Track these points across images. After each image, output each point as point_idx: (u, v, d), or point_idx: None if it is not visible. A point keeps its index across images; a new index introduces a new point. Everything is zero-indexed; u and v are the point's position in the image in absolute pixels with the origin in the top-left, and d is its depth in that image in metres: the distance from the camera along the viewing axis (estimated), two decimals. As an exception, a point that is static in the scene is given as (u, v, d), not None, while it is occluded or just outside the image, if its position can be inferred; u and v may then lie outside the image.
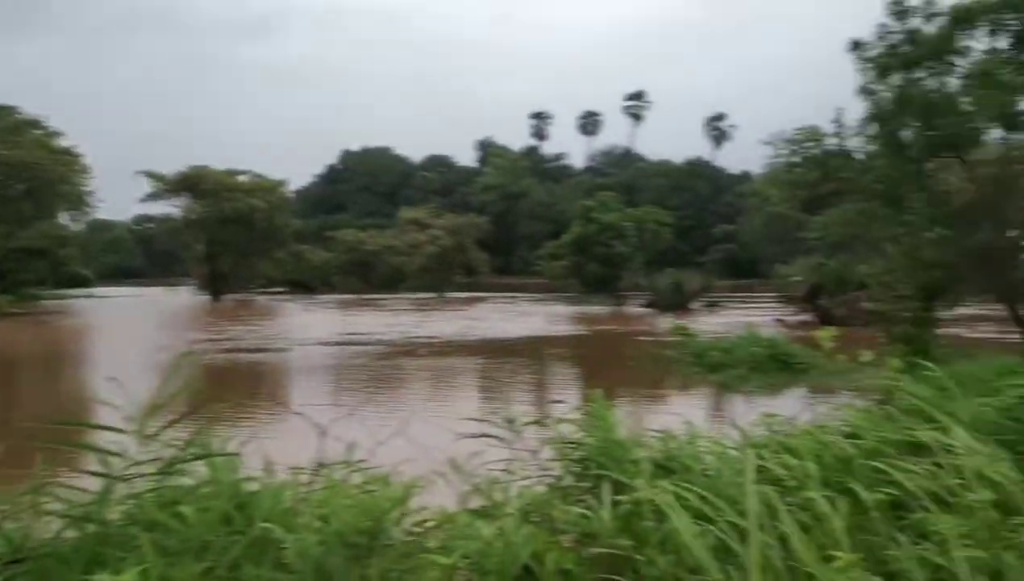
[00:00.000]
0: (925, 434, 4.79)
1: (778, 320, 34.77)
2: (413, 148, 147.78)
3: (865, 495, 3.83)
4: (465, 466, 4.13)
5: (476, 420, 4.59)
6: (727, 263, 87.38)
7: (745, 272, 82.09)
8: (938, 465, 4.33)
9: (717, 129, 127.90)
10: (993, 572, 3.45)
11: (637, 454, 4.02)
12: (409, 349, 25.93)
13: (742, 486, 3.71)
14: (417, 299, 59.84)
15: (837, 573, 3.07)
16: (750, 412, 5.87)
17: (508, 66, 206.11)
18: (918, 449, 4.67)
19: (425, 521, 3.63)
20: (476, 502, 3.90)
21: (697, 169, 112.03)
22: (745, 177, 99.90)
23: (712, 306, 49.00)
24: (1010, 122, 15.04)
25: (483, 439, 4.46)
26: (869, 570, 3.40)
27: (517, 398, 16.34)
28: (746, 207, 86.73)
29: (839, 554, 3.14)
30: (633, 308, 49.39)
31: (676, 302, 46.98)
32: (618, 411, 4.83)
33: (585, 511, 3.64)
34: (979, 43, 15.28)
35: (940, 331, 17.16)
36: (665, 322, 31.79)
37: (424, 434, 5.83)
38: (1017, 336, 15.55)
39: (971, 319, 22.40)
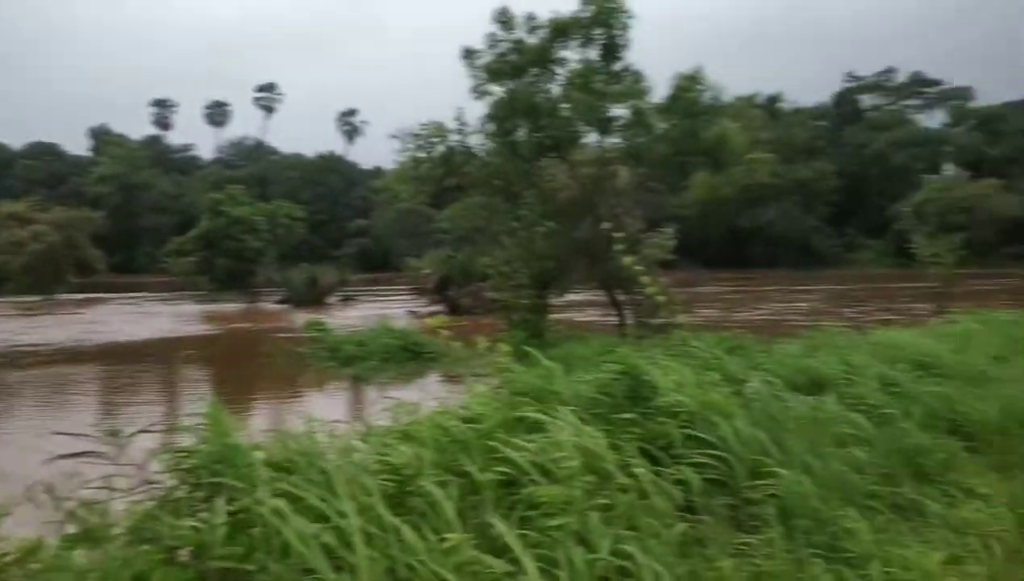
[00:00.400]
0: (533, 413, 5.17)
1: (411, 312, 35.77)
2: (10, 135, 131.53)
3: (477, 476, 4.00)
4: (60, 488, 3.69)
5: (78, 435, 4.12)
6: (362, 257, 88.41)
7: (379, 265, 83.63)
8: (546, 441, 4.70)
9: (349, 124, 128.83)
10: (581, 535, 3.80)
11: (254, 457, 3.86)
12: (9, 359, 22.93)
13: (362, 480, 3.73)
14: (22, 303, 53.07)
15: (446, 555, 3.19)
16: (380, 403, 5.93)
17: (125, 51, 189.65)
18: (530, 427, 5.01)
19: (4, 555, 3.18)
20: (72, 528, 3.50)
21: (330, 163, 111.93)
22: (378, 172, 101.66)
23: (347, 300, 49.18)
24: (603, 126, 16.82)
25: (85, 456, 4.01)
26: (481, 547, 3.58)
27: (134, 407, 15.11)
28: (379, 201, 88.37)
29: (450, 536, 3.27)
30: (268, 304, 48.06)
31: (311, 297, 46.49)
32: (242, 412, 4.62)
33: (197, 523, 3.42)
34: (575, 54, 16.92)
35: (555, 316, 18.71)
36: (300, 317, 31.35)
37: (14, 457, 5.15)
38: (617, 318, 17.44)
39: (581, 304, 24.60)
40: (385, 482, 3.87)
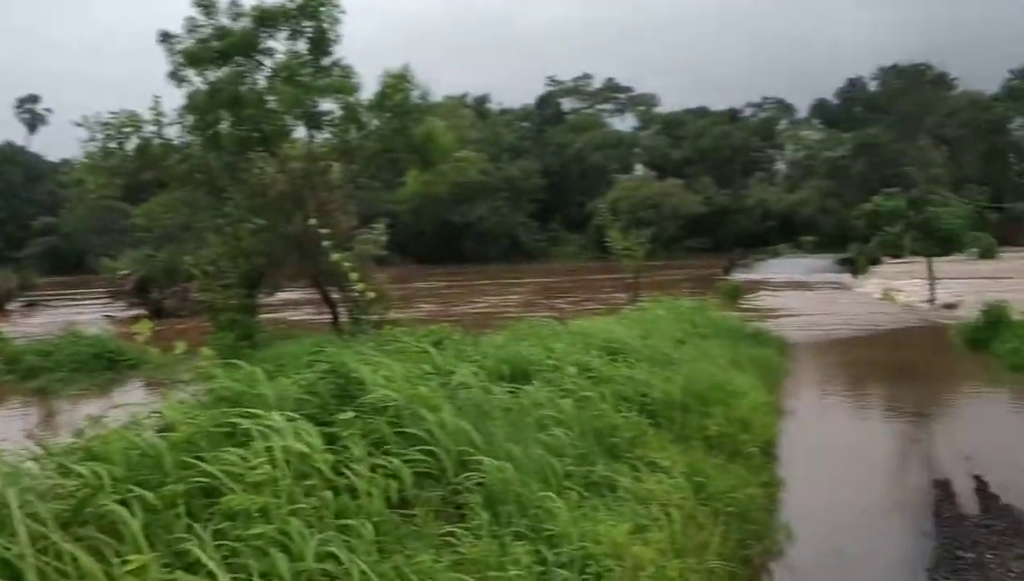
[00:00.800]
0: (238, 418, 4.92)
1: (107, 316, 33.13)
2: None
3: (148, 495, 3.71)
4: None
5: None
6: (50, 257, 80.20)
7: (71, 267, 76.31)
8: (250, 447, 4.49)
9: (30, 112, 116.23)
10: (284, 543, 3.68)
11: None
12: None
13: (33, 506, 3.35)
14: None
15: (135, 577, 2.95)
16: (67, 418, 5.38)
17: None
18: (234, 434, 4.77)
19: None
20: None
21: (7, 154, 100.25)
22: (66, 165, 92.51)
23: (32, 306, 44.47)
24: (313, 121, 16.51)
25: None
26: (172, 565, 3.35)
27: None
28: (68, 197, 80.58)
29: (134, 558, 3.02)
30: (-69, 315, 42.29)
31: (-12, 304, 41.58)
32: None
33: None
34: (283, 45, 16.44)
35: (269, 316, 18.07)
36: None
37: None
38: (331, 316, 17.17)
39: (298, 302, 24.09)
40: (61, 506, 3.50)
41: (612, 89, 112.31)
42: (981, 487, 8.32)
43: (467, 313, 30.08)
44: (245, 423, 4.76)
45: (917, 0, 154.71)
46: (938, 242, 30.71)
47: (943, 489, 8.31)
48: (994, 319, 18.11)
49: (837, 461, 9.67)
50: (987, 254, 55.37)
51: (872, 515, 7.58)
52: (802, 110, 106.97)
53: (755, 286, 40.69)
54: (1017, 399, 13.75)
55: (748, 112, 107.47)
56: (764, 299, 35.07)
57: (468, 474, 5.17)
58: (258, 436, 4.57)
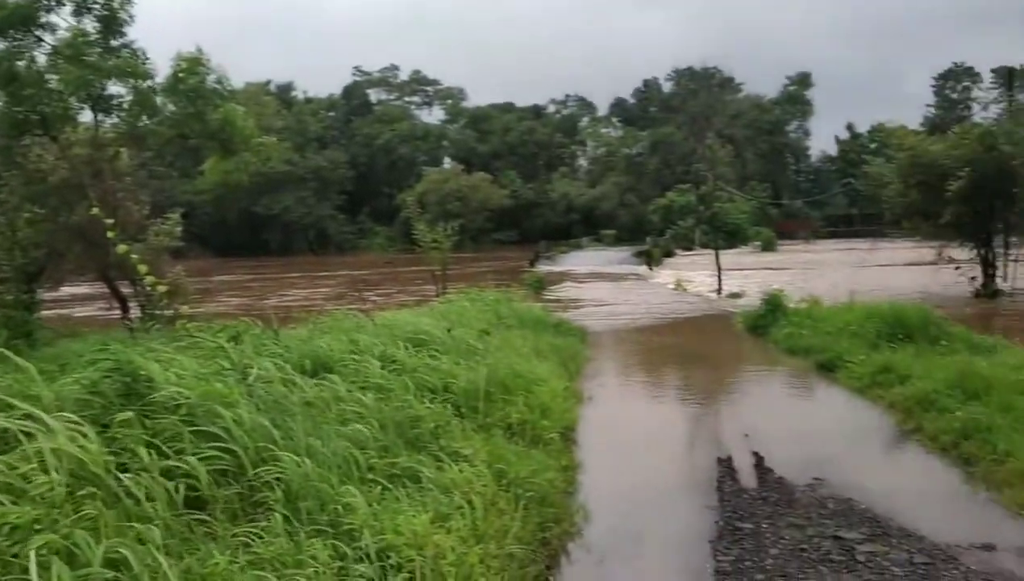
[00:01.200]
0: (3, 422, 4.55)
1: None
2: None
3: None
4: None
5: None
6: None
7: None
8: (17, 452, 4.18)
9: None
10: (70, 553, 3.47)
11: None
12: None
13: None
14: None
15: None
16: None
17: None
18: (4, 439, 4.43)
19: None
20: None
21: None
22: None
23: None
24: (100, 104, 15.41)
25: None
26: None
27: None
28: None
29: None
30: None
31: None
32: None
33: None
34: (65, 20, 15.19)
35: (55, 312, 16.78)
36: None
37: None
38: (120, 311, 16.16)
39: (88, 298, 22.66)
40: None
41: (419, 82, 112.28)
42: (758, 462, 9.00)
43: (276, 307, 29.21)
44: (8, 424, 4.41)
45: (707, 7, 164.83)
46: (725, 235, 32.82)
47: (726, 466, 8.92)
48: (772, 307, 19.66)
49: (632, 443, 10.14)
50: (768, 247, 60.05)
51: (662, 492, 8.03)
52: (602, 108, 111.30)
53: (559, 277, 42.06)
54: (791, 379, 14.96)
55: (552, 109, 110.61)
56: (567, 290, 36.32)
57: (266, 470, 5.04)
58: (27, 440, 4.25)
